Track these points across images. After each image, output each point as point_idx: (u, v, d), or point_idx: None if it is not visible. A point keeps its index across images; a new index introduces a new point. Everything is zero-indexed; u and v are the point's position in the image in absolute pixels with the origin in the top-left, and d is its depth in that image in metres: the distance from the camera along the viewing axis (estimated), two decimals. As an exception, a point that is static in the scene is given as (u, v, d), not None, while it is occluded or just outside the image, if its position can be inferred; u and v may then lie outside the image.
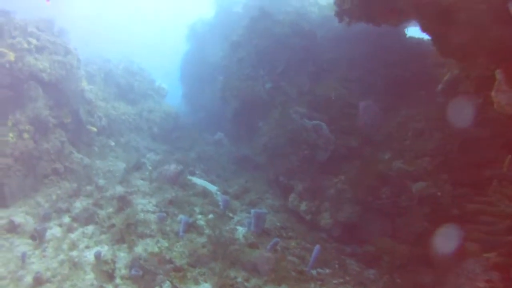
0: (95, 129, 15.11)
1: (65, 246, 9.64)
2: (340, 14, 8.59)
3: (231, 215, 11.55)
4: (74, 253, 9.38)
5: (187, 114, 23.49)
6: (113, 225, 10.56)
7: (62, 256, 9.28)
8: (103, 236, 10.29)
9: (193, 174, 14.49)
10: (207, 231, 10.26)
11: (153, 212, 11.30)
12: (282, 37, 15.07)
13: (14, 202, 12.48)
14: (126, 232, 10.00)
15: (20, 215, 11.69)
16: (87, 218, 10.99)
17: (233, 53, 17.04)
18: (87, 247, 9.89)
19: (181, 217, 10.59)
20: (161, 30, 52.56)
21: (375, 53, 12.40)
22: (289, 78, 14.55)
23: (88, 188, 12.67)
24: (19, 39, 14.00)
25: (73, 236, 10.12)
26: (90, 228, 10.37)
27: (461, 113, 8.01)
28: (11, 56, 13.40)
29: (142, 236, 9.93)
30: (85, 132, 14.93)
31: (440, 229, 7.86)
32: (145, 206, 11.70)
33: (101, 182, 13.12)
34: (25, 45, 13.94)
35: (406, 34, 12.73)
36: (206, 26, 24.99)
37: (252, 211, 10.54)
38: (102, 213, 11.28)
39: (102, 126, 15.67)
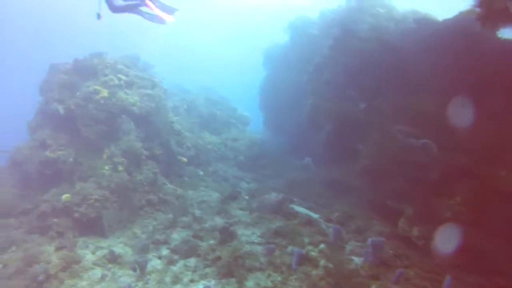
0: (185, 160, 15.34)
1: (167, 279, 9.61)
2: (484, 16, 7.74)
3: (342, 244, 10.85)
4: (178, 286, 9.39)
5: (269, 141, 23.34)
6: (218, 258, 10.17)
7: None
8: (208, 270, 9.83)
9: (291, 201, 14.03)
10: (322, 262, 9.58)
11: (259, 244, 10.83)
12: (370, 54, 14.56)
13: (112, 233, 12.73)
14: (234, 266, 9.61)
15: (119, 246, 11.85)
16: (187, 250, 10.72)
17: (318, 75, 16.80)
18: (192, 281, 9.42)
19: (293, 248, 9.98)
20: (238, 60, 53.93)
21: (464, 62, 11.46)
22: (383, 96, 13.92)
23: (184, 219, 12.61)
24: (111, 76, 14.85)
25: (175, 268, 9.93)
26: (192, 261, 10.20)
27: None
28: (105, 92, 14.12)
29: (252, 269, 9.39)
30: (176, 163, 15.17)
31: None
32: (249, 237, 11.24)
33: (197, 212, 13.05)
34: (116, 82, 14.74)
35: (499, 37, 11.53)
36: (281, 50, 25.15)
37: (369, 239, 9.75)
38: (203, 245, 11.03)
39: (191, 156, 15.87)
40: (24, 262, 10.98)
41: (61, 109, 14.83)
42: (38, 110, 16.82)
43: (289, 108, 21.61)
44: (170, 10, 8.98)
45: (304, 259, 9.44)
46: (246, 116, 22.96)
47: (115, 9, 8.24)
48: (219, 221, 12.13)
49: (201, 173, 16.26)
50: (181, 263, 10.05)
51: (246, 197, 14.12)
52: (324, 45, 16.69)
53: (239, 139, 19.88)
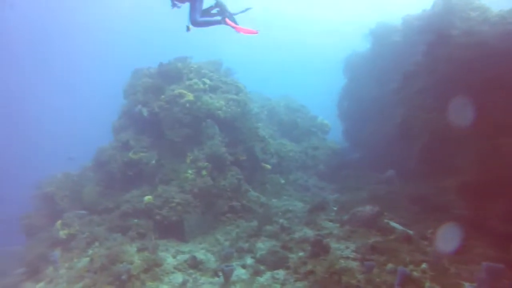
0: (269, 167, 15.07)
1: None
2: None
3: (445, 265, 9.96)
4: (267, 299, 8.68)
5: (349, 151, 22.62)
6: (310, 272, 9.65)
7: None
8: (299, 284, 9.23)
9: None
10: (427, 284, 8.77)
11: (354, 259, 10.17)
12: (467, 61, 13.54)
13: (193, 238, 12.68)
14: (329, 282, 9.01)
15: (200, 252, 11.70)
16: (275, 262, 10.31)
17: (409, 83, 15.93)
18: None
19: (393, 266, 9.25)
20: (314, 68, 53.60)
21: None
22: (487, 107, 12.86)
23: (269, 228, 12.27)
24: (195, 80, 14.94)
25: (261, 280, 9.32)
26: (281, 273, 9.42)
27: None
28: (190, 96, 14.18)
29: (348, 287, 8.85)
30: (260, 170, 14.93)
31: None
32: (343, 252, 10.65)
33: (284, 222, 12.65)
34: (201, 86, 14.82)
35: None
36: (361, 59, 24.36)
37: (483, 264, 8.83)
38: (293, 257, 10.57)
39: (273, 164, 15.59)
40: (108, 260, 11.11)
41: (145, 112, 15.11)
42: (122, 113, 17.33)
43: (370, 118, 20.82)
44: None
45: (407, 279, 8.71)
46: (327, 125, 22.43)
47: (196, 24, 8.59)
48: (308, 232, 11.60)
49: (283, 181, 15.91)
50: (268, 274, 9.52)
51: (335, 208, 13.52)
52: (409, 52, 15.83)
53: (320, 148, 19.41)
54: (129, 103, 16.66)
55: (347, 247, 10.49)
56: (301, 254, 10.51)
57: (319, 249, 10.09)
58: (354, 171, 18.72)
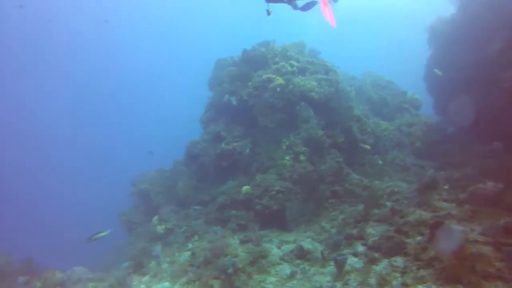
0: (368, 147, 14.09)
1: (372, 281, 7.97)
2: None
3: None
4: (387, 291, 7.92)
5: (444, 125, 20.76)
6: (434, 258, 8.53)
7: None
8: (423, 272, 8.28)
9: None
10: None
11: (485, 243, 8.79)
12: None
13: (296, 226, 12.15)
14: (461, 269, 7.85)
15: (306, 241, 11.09)
16: (391, 248, 9.32)
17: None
18: (405, 284, 7.78)
19: None
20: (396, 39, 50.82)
21: None
22: None
23: (377, 211, 11.32)
24: (282, 63, 14.35)
25: (378, 268, 8.67)
26: (399, 261, 8.63)
27: None
28: (280, 80, 13.56)
29: (486, 276, 7.54)
30: (359, 151, 14.01)
31: None
32: (468, 235, 9.35)
33: (390, 205, 11.60)
34: (289, 68, 14.26)
35: None
36: (449, 24, 22.20)
37: None
38: (410, 242, 9.47)
39: (370, 144, 14.58)
40: (212, 253, 10.82)
41: (234, 101, 14.77)
42: (209, 105, 17.21)
43: (466, 87, 18.92)
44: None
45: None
46: (417, 99, 20.87)
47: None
48: (423, 214, 10.47)
49: (380, 162, 14.85)
50: (385, 262, 8.55)
51: (445, 187, 12.27)
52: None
53: (414, 124, 17.95)
54: (216, 95, 16.45)
55: (473, 230, 9.22)
56: (418, 238, 9.41)
57: (440, 232, 8.95)
58: (454, 146, 17.12)
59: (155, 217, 15.14)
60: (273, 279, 9.63)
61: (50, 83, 54.66)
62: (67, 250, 21.84)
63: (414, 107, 20.66)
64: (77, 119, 56.01)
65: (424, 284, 7.60)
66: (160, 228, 14.60)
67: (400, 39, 50.53)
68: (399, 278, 7.98)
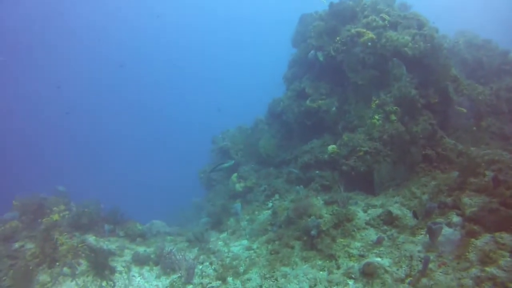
0: (464, 111, 12.90)
1: (472, 257, 7.18)
2: None
3: None
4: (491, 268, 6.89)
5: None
6: None
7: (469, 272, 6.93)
8: None
9: None
10: None
11: None
12: None
13: (383, 190, 11.44)
14: None
15: (395, 206, 10.36)
16: (495, 222, 8.16)
17: None
18: None
19: None
20: None
21: None
22: None
23: (474, 180, 10.20)
24: (373, 17, 13.43)
25: (478, 243, 7.48)
26: (506, 237, 7.45)
27: None
28: (370, 34, 12.63)
29: None
30: (453, 114, 12.87)
31: None
32: None
33: (491, 174, 10.40)
34: (380, 22, 13.29)
35: None
36: None
37: None
38: None
39: (466, 108, 13.33)
40: (295, 213, 10.45)
41: (320, 56, 14.09)
42: (292, 62, 16.65)
43: None
44: None
45: None
46: (521, 60, 18.57)
47: None
48: None
49: (475, 128, 13.59)
50: (487, 237, 7.56)
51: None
52: None
53: (516, 87, 16.07)
54: (300, 51, 15.78)
55: None
56: None
57: None
58: None
59: (234, 175, 15.12)
60: (358, 244, 9.17)
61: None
62: (149, 205, 22.92)
63: (518, 69, 18.48)
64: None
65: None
66: (239, 186, 14.58)
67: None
68: (508, 258, 6.94)
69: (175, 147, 48.37)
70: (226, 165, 14.25)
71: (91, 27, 52.67)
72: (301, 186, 12.77)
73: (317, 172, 12.93)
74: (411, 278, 7.40)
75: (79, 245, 10.12)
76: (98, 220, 12.24)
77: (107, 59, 56.05)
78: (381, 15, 13.81)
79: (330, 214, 10.31)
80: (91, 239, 10.97)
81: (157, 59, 62.17)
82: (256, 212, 12.76)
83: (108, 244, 11.18)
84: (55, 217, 11.44)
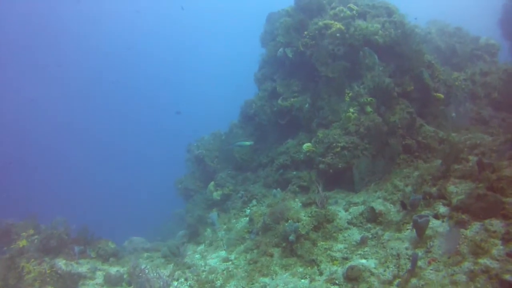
0: (441, 96, 12.30)
1: (464, 249, 6.55)
2: None
3: None
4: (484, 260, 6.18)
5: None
6: None
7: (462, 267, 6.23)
8: None
9: None
10: None
11: None
12: None
13: (364, 186, 10.75)
14: None
15: (377, 202, 9.67)
16: (484, 209, 7.36)
17: None
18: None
19: None
20: None
21: None
22: None
23: (458, 167, 9.47)
24: (341, 7, 12.78)
25: (469, 233, 6.87)
26: (495, 224, 6.74)
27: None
28: (338, 25, 11.96)
29: None
30: (431, 101, 12.25)
31: None
32: None
33: (474, 159, 9.75)
34: (348, 13, 12.62)
35: None
36: None
37: None
38: (510, 201, 7.61)
39: (442, 94, 12.75)
40: (272, 219, 9.77)
41: (289, 53, 13.44)
42: (262, 62, 15.98)
43: None
44: None
45: None
46: (494, 45, 18.40)
47: None
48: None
49: (453, 114, 13.02)
50: (476, 226, 6.93)
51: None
52: None
53: (490, 73, 15.68)
54: (269, 50, 15.03)
55: None
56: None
57: None
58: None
59: (211, 183, 14.46)
60: (341, 246, 8.45)
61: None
62: (130, 221, 21.97)
63: (490, 54, 18.23)
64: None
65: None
66: (216, 194, 13.90)
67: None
68: (500, 246, 6.24)
69: (153, 157, 46.91)
70: (247, 143, 13.50)
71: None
72: (278, 189, 11.97)
73: (294, 173, 12.19)
74: (399, 279, 6.65)
75: (48, 271, 9.22)
76: (68, 242, 11.31)
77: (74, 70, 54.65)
78: (348, 5, 13.20)
79: (309, 216, 9.55)
80: (61, 263, 10.06)
81: (133, 70, 60.82)
82: (234, 220, 12.03)
83: (78, 267, 10.28)
84: (22, 243, 10.50)
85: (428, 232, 7.49)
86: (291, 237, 8.72)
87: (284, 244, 8.97)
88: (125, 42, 55.53)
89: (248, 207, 12.49)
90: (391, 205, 9.43)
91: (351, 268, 7.20)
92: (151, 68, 62.03)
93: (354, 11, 12.94)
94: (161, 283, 8.75)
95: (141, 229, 15.06)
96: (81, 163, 45.42)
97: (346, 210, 9.86)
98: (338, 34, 12.09)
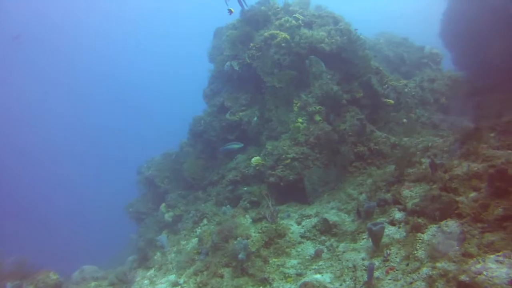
0: (391, 102, 12.01)
1: (421, 254, 6.04)
2: None
3: None
4: (445, 264, 5.56)
5: (472, 78, 18.58)
6: (505, 218, 6.20)
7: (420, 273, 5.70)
8: (491, 237, 5.75)
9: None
10: None
11: None
12: None
13: (317, 197, 10.18)
14: None
15: (331, 212, 9.11)
16: (439, 210, 7.01)
17: None
18: (467, 255, 5.33)
19: None
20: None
21: None
22: None
23: (412, 170, 9.08)
24: (286, 17, 12.47)
25: (426, 237, 6.37)
26: (451, 224, 6.34)
27: None
28: (284, 34, 11.59)
29: None
30: (381, 107, 11.93)
31: None
32: None
33: (427, 161, 9.38)
34: (294, 22, 12.34)
35: None
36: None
37: None
38: (463, 200, 7.13)
39: (393, 99, 12.53)
40: (220, 237, 9.00)
41: (235, 66, 12.91)
42: (211, 78, 15.37)
43: (494, 36, 16.57)
44: None
45: None
46: (437, 54, 18.87)
47: None
48: (474, 165, 8.20)
49: (405, 120, 12.78)
50: (433, 228, 6.45)
51: (492, 134, 10.06)
52: None
53: (437, 80, 15.82)
54: (217, 65, 14.48)
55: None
56: (473, 194, 7.13)
57: (504, 183, 6.67)
58: (488, 98, 14.85)
59: (163, 205, 13.62)
60: (294, 261, 7.84)
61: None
62: (85, 249, 20.60)
63: (434, 62, 18.60)
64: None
65: (498, 253, 5.37)
66: (168, 216, 13.04)
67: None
68: (455, 247, 5.71)
69: (105, 181, 44.09)
70: (236, 146, 12.64)
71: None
72: (229, 206, 11.25)
73: (245, 188, 11.48)
74: (356, 293, 5.97)
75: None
76: (2, 278, 10.07)
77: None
78: (294, 15, 12.86)
79: (259, 232, 8.95)
80: (-6, 305, 8.90)
81: (81, 90, 58.16)
82: (184, 242, 11.20)
83: (13, 307, 9.13)
84: None
85: (385, 239, 6.95)
86: (241, 255, 8.01)
87: (234, 263, 8.27)
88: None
89: (199, 227, 11.72)
90: (346, 214, 8.93)
91: (304, 285, 6.53)
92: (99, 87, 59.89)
93: (300, 21, 12.61)
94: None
95: (96, 256, 13.93)
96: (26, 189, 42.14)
97: (299, 224, 9.31)
98: (283, 44, 11.65)
